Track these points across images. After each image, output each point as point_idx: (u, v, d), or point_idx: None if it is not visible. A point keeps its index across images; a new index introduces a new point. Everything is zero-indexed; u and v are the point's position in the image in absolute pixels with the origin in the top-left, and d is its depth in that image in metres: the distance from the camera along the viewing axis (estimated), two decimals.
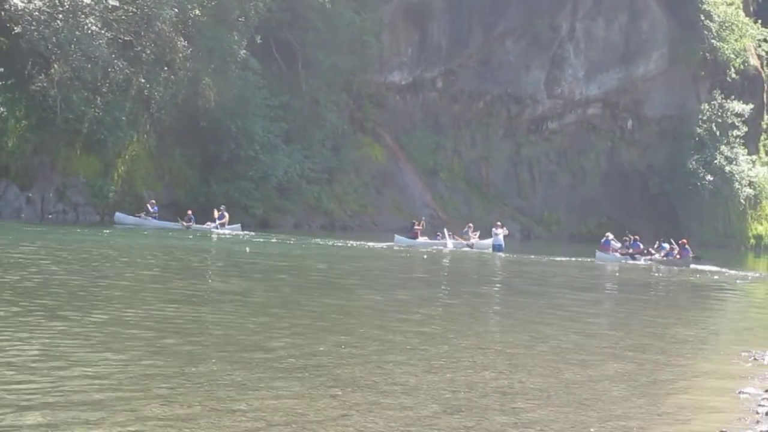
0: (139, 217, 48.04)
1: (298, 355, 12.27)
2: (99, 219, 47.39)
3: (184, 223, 48.34)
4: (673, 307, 26.28)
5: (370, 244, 45.64)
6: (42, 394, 8.98)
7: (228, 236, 46.63)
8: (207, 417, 8.54)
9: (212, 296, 19.01)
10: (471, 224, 54.95)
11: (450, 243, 50.33)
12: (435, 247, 49.37)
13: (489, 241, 50.94)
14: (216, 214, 50.33)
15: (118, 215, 47.37)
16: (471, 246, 50.10)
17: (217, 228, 49.29)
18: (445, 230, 52.88)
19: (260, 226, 55.24)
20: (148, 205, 48.82)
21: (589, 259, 46.86)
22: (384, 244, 46.59)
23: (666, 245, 50.89)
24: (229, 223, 50.36)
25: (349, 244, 44.25)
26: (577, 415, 9.81)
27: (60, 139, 46.82)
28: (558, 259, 45.72)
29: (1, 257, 23.51)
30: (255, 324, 15.04)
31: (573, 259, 46.20)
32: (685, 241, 50.52)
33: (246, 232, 48.98)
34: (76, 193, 48.39)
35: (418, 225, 51.61)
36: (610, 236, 51.34)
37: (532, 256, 46.31)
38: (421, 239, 50.32)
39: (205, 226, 49.21)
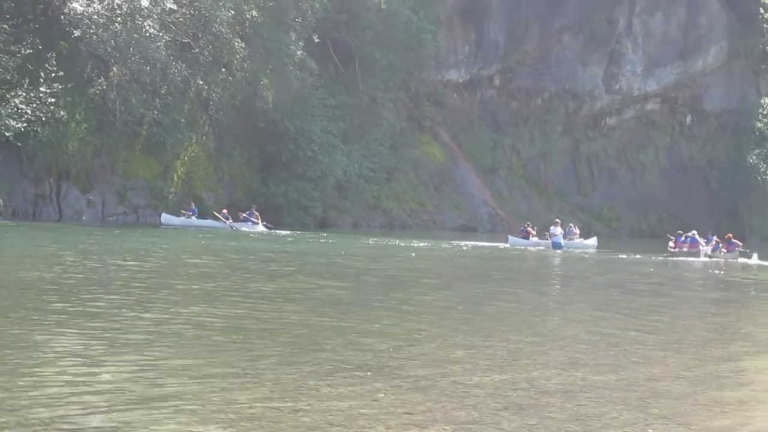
0: (185, 216, 48.42)
1: (359, 353, 12.30)
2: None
3: (226, 222, 48.72)
4: (734, 303, 26.05)
5: (483, 243, 46.87)
6: (104, 393, 9.06)
7: (261, 235, 46.74)
8: (268, 416, 8.58)
9: (271, 295, 19.06)
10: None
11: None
12: (546, 246, 50.38)
13: (592, 241, 52.15)
14: (244, 214, 50.57)
15: (165, 216, 47.74)
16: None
17: (246, 227, 49.43)
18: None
19: (319, 225, 55.56)
20: (185, 211, 49.12)
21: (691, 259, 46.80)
22: (500, 245, 48.61)
23: (714, 238, 50.57)
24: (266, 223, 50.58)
25: (462, 245, 44.86)
26: (639, 412, 9.77)
27: (119, 142, 47.37)
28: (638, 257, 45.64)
29: (61, 258, 23.82)
30: (316, 322, 15.09)
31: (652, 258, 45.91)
32: (731, 235, 50.14)
33: (279, 231, 49.10)
34: (136, 195, 48.89)
35: (530, 228, 53.26)
36: (695, 233, 50.74)
37: (623, 256, 46.14)
38: (533, 239, 51.53)
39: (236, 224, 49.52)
